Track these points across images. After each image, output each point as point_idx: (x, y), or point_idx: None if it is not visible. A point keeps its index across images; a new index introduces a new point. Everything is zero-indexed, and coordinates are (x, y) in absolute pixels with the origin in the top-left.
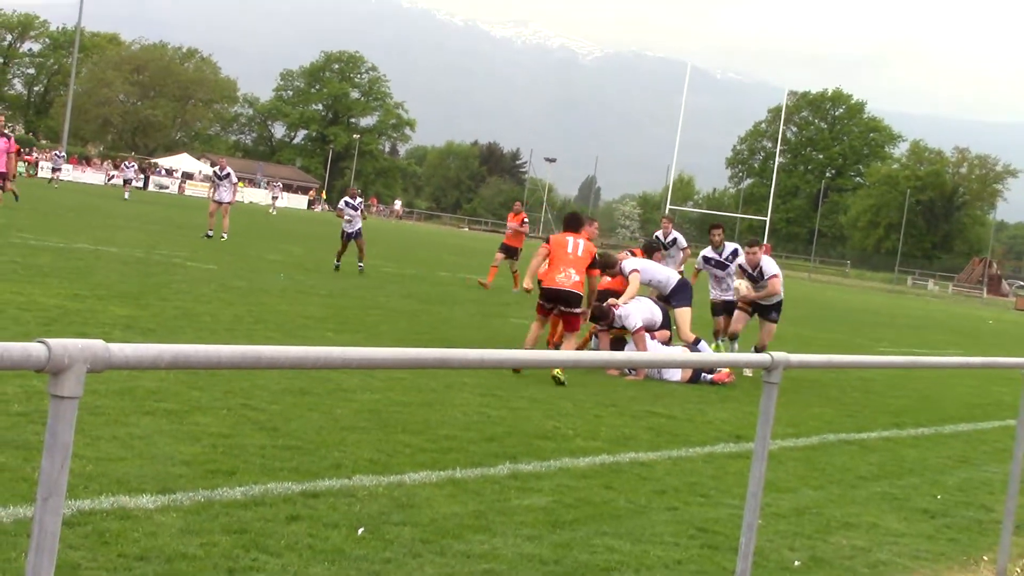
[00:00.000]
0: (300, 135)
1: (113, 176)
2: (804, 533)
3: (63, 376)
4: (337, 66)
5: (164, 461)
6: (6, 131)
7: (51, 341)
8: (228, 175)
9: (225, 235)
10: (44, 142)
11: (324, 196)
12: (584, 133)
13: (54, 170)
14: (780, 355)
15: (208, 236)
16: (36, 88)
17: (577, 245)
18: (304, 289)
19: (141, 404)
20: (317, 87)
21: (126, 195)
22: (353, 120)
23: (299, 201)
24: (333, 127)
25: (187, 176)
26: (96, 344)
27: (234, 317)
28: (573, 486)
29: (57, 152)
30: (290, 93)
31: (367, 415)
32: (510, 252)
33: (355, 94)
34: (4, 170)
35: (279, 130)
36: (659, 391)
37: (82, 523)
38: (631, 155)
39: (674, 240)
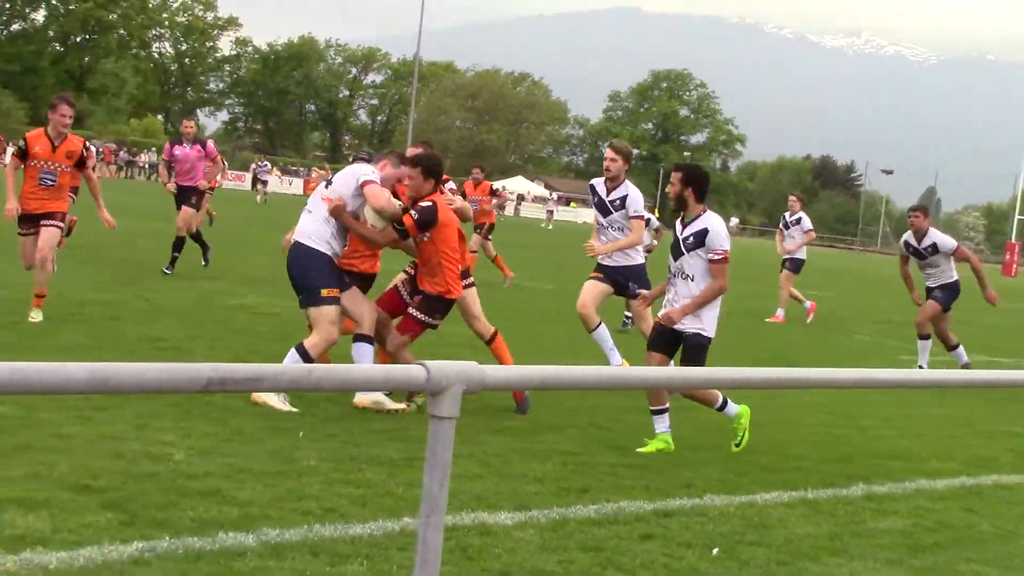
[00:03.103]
0: None
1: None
2: None
3: (442, 397)
4: (665, 84)
5: (518, 479)
6: (200, 138)
7: (430, 363)
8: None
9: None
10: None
11: (657, 215)
12: (922, 143)
13: (260, 182)
14: None
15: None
16: (379, 117)
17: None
18: None
19: (492, 423)
20: (646, 106)
21: (258, 199)
22: (683, 138)
23: None
24: (663, 145)
25: (520, 198)
26: (471, 366)
27: (570, 337)
28: (931, 508)
29: (260, 163)
30: (619, 113)
31: (713, 433)
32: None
33: (684, 112)
34: (192, 184)
35: None
36: (1019, 409)
37: (446, 538)
38: (973, 164)
39: (798, 220)
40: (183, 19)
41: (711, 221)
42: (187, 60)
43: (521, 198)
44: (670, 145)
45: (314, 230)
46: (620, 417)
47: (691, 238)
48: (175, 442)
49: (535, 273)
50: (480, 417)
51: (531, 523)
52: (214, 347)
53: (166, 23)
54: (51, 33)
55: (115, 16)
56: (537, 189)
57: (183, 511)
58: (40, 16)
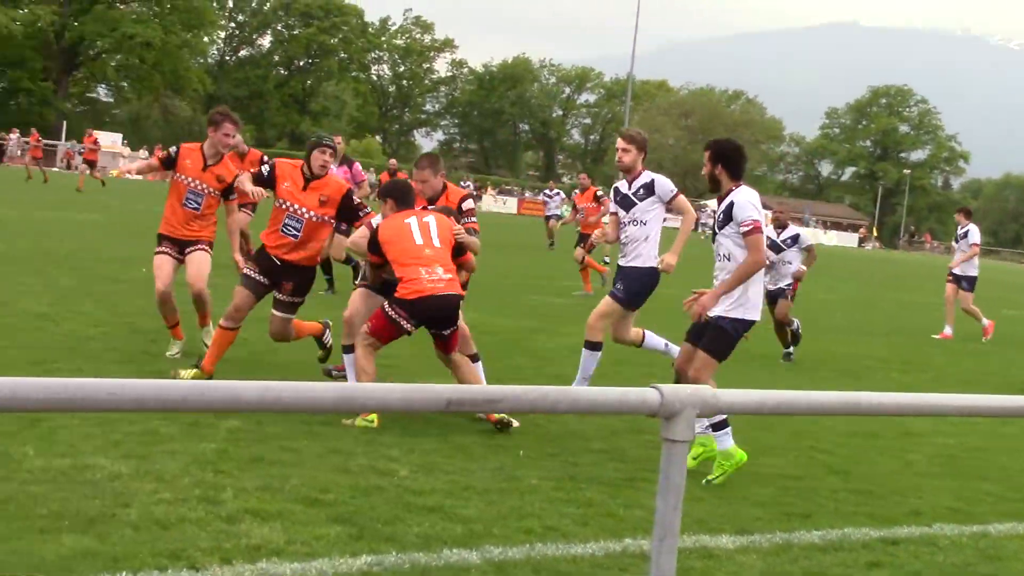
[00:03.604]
0: (847, 172)
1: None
2: None
3: (675, 420)
4: (884, 101)
5: (740, 502)
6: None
7: (664, 387)
8: (557, 194)
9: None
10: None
11: (875, 234)
12: None
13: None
14: None
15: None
16: (592, 137)
17: (427, 226)
18: (864, 328)
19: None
20: (864, 123)
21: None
22: (903, 155)
23: (849, 239)
24: (882, 163)
25: None
26: (704, 390)
27: (796, 358)
28: None
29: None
30: (836, 130)
31: (942, 460)
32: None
33: (904, 128)
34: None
35: (826, 168)
36: None
37: None
38: None
39: (966, 233)
40: (401, 42)
41: (737, 194)
42: (404, 82)
43: None
44: (889, 162)
45: None
46: (844, 441)
47: (721, 215)
48: (400, 458)
49: None
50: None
51: (753, 547)
52: (435, 366)
53: (385, 46)
54: (276, 58)
55: (336, 40)
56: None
57: (408, 526)
58: (266, 42)
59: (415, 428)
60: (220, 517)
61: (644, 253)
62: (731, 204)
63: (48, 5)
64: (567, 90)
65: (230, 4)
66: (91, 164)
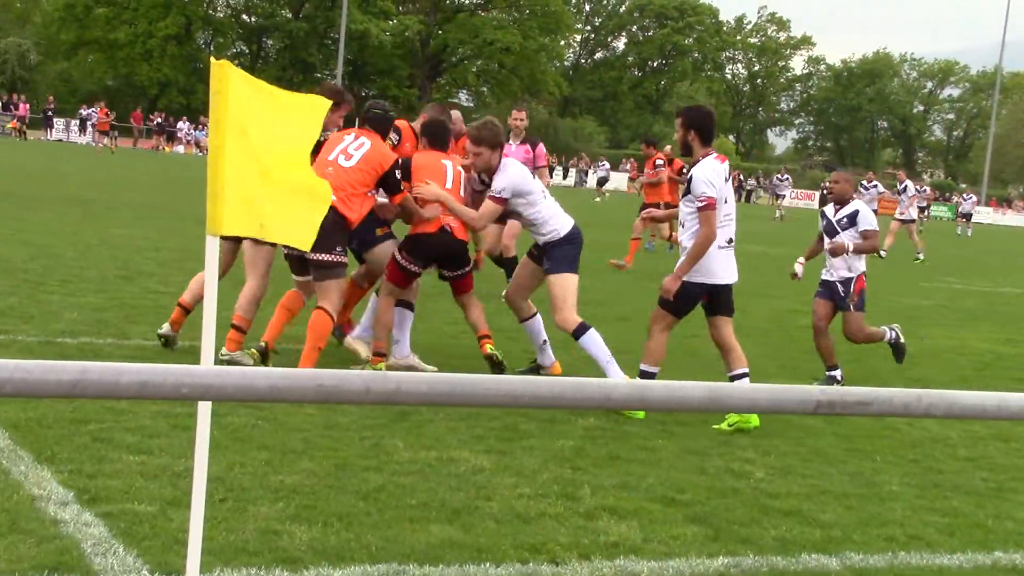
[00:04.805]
0: None
1: None
2: None
3: None
4: None
5: None
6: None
7: None
8: (905, 188)
9: (920, 255)
10: (963, 186)
11: None
12: None
13: (777, 197)
14: None
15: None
16: (955, 133)
17: (459, 174)
18: None
19: None
20: None
21: (777, 215)
22: None
23: None
24: None
25: None
26: None
27: None
28: None
29: (781, 176)
30: None
31: None
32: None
33: None
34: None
35: None
36: None
37: None
38: None
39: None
40: (756, 40)
41: (697, 168)
42: (759, 80)
43: None
44: None
45: None
46: None
47: (686, 183)
48: (755, 460)
49: None
50: None
51: None
52: (785, 366)
53: (739, 45)
54: (630, 59)
55: (691, 40)
56: None
57: (765, 529)
58: (620, 44)
59: (772, 429)
60: (578, 513)
61: (550, 226)
62: (691, 177)
63: (415, 15)
64: (929, 85)
65: (587, 8)
66: None
